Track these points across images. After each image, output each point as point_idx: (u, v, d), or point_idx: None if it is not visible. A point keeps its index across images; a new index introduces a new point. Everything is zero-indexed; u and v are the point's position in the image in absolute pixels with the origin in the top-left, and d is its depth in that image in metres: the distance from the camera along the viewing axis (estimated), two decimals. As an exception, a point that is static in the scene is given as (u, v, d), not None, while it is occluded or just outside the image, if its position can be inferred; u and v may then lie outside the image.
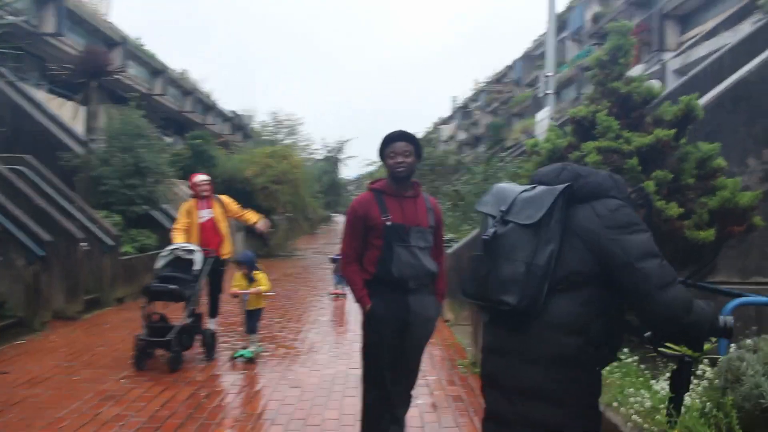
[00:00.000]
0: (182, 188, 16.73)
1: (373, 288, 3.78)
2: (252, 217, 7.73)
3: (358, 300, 3.81)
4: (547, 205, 2.23)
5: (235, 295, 6.76)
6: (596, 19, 29.30)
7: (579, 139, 4.82)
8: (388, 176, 3.86)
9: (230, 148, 24.66)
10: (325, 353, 7.17)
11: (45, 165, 11.27)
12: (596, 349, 2.18)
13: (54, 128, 11.99)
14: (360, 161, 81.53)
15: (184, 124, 27.12)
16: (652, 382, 3.63)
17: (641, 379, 3.69)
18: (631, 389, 3.49)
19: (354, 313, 9.25)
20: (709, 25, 18.78)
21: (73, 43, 16.45)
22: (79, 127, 11.89)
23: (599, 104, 4.73)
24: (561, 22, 33.66)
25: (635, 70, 20.21)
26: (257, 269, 6.86)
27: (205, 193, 7.36)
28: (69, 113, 11.70)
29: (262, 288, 6.75)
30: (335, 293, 11.35)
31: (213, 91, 48.03)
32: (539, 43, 37.51)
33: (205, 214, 7.36)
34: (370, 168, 36.95)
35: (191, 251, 6.71)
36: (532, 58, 37.17)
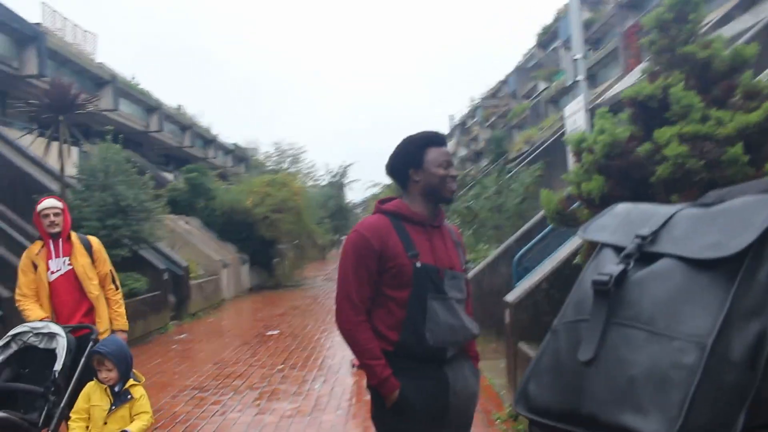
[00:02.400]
0: (179, 224, 15.44)
1: (395, 363, 2.35)
2: (114, 316, 4.33)
3: (379, 383, 2.33)
4: (761, 225, 0.87)
5: None
6: (587, 25, 28.07)
7: (642, 127, 3.45)
8: (421, 194, 2.47)
9: (229, 179, 23.39)
10: (332, 412, 5.75)
11: (23, 210, 10.08)
12: None
13: (32, 170, 10.73)
14: (363, 184, 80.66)
15: (185, 160, 25.87)
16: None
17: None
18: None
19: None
20: (712, 16, 17.46)
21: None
22: (52, 166, 10.60)
23: (669, 77, 3.36)
24: (551, 33, 32.65)
25: (633, 75, 18.90)
26: (134, 379, 3.38)
27: (54, 230, 4.20)
28: (39, 151, 10.41)
29: (142, 424, 3.22)
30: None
31: (213, 124, 47.13)
32: (530, 56, 36.49)
33: (57, 267, 4.22)
34: (375, 189, 35.61)
35: (50, 336, 3.67)
36: (525, 70, 36.06)
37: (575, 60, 4.72)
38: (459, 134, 48.66)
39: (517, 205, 9.98)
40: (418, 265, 2.35)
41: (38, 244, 4.33)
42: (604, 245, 1.08)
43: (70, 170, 10.50)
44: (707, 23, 11.14)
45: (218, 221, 17.36)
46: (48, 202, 4.29)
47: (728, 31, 10.76)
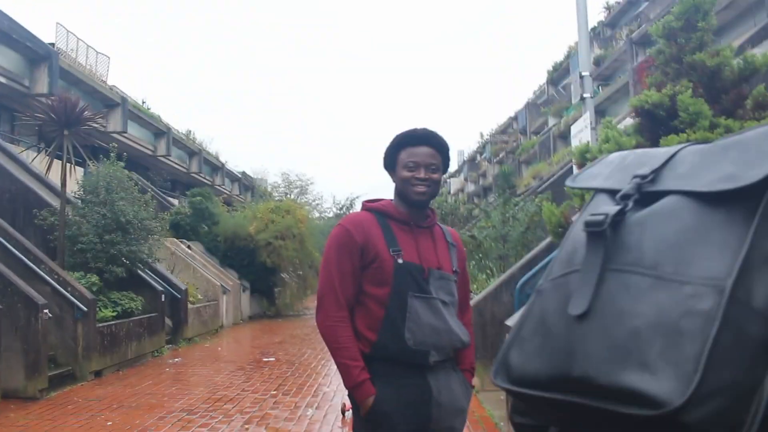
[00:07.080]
0: (181, 247, 15.33)
1: (372, 367, 2.22)
2: None
3: (354, 386, 2.20)
4: None
5: None
6: (598, 62, 28.19)
7: (649, 136, 3.33)
8: (397, 196, 2.39)
9: (234, 205, 23.37)
10: (322, 438, 5.54)
11: (24, 225, 10.02)
12: None
13: (34, 185, 10.69)
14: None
15: (191, 185, 25.91)
16: None
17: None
18: None
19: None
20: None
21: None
22: (54, 182, 10.56)
23: (677, 86, 3.25)
24: (562, 69, 32.81)
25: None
26: None
27: None
28: (41, 167, 10.38)
29: None
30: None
31: (223, 152, 47.37)
32: (541, 92, 36.63)
33: None
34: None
35: None
36: (536, 106, 36.19)
37: (582, 77, 4.63)
38: (468, 170, 48.70)
39: (522, 234, 9.83)
40: (400, 261, 2.24)
41: None
42: (597, 192, 0.94)
43: (73, 188, 10.47)
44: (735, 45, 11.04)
45: (221, 247, 17.25)
46: None
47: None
